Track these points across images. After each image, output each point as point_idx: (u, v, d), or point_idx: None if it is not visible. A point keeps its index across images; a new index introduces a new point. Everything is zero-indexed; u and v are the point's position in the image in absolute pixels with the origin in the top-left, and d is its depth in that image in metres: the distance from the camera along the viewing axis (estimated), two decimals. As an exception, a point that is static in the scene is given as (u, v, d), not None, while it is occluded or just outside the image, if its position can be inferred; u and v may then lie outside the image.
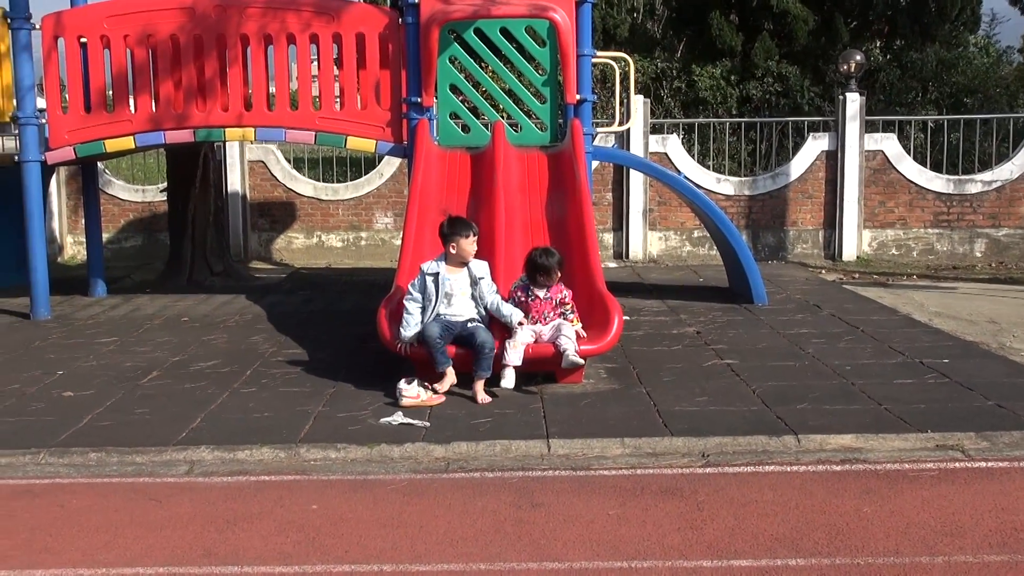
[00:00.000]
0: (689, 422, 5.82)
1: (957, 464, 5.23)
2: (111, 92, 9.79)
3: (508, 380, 6.41)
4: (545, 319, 6.52)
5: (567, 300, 6.62)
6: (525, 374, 6.54)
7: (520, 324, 6.45)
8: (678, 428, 5.70)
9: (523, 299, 6.56)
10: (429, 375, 6.51)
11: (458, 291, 6.50)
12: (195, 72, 9.51)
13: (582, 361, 6.44)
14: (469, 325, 6.47)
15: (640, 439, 5.54)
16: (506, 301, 6.58)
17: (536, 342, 6.49)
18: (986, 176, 14.20)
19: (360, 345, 8.12)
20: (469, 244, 6.58)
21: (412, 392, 6.22)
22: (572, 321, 6.59)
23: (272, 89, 9.73)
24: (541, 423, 5.86)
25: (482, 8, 9.04)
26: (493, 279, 6.77)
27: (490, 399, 6.31)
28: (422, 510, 4.70)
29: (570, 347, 6.40)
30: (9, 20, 9.30)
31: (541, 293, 6.54)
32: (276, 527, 4.53)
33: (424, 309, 6.52)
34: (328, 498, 4.88)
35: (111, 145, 9.57)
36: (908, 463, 5.24)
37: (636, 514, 4.60)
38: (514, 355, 6.40)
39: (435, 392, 6.33)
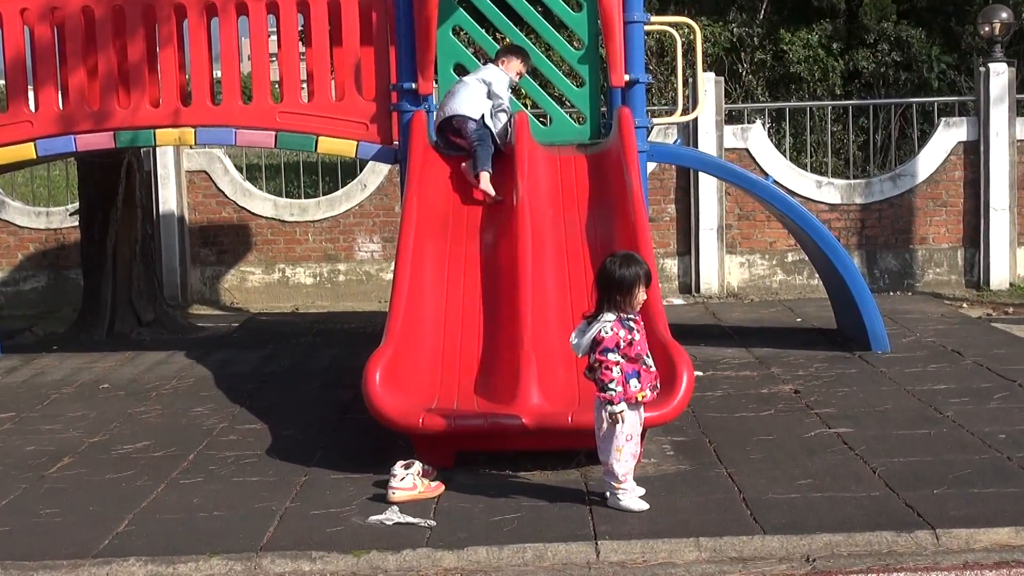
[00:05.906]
0: (787, 514, 5.81)
1: None
2: (3, 84, 9.94)
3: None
4: (648, 359, 6.12)
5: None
6: (563, 452, 6.54)
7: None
8: (772, 523, 5.69)
9: (630, 338, 6.04)
10: (432, 456, 6.53)
11: None
12: (116, 56, 9.64)
13: (647, 507, 6.12)
14: None
15: (721, 539, 5.53)
16: (610, 352, 5.98)
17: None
18: None
19: (341, 417, 8.15)
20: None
21: (407, 484, 6.18)
22: None
23: (217, 75, 9.84)
24: (587, 518, 5.86)
25: (496, -39, 9.13)
26: (518, 326, 6.79)
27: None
28: (428, 640, 4.70)
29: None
30: None
31: (638, 318, 6.16)
32: (232, 666, 4.55)
33: None
34: (301, 625, 4.89)
35: (5, 155, 9.71)
36: (1088, 566, 5.21)
37: (718, 642, 4.59)
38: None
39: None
